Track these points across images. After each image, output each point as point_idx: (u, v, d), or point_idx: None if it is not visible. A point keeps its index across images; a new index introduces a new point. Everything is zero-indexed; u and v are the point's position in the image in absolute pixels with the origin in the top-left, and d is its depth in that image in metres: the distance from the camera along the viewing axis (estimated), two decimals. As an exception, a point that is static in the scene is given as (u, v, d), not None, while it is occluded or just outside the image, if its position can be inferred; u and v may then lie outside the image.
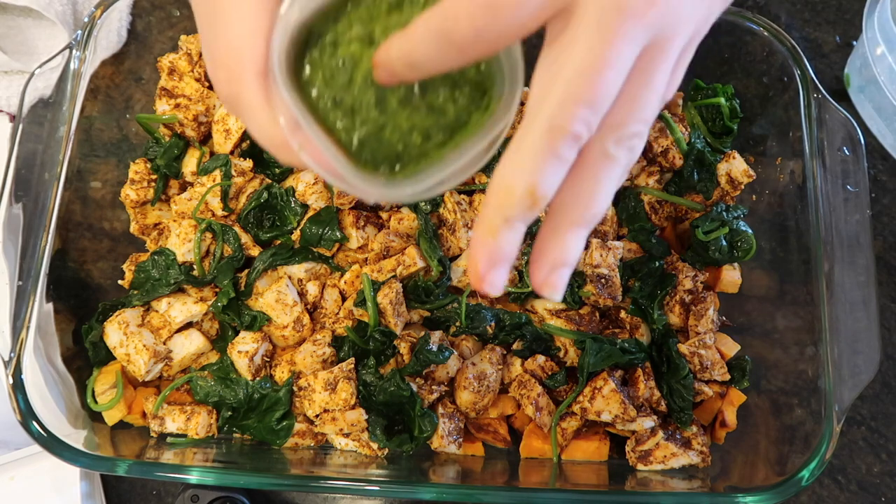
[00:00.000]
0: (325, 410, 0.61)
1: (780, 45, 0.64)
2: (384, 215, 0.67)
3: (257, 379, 0.62)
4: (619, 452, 0.64)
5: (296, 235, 0.66)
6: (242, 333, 0.63)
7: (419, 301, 0.64)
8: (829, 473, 0.68)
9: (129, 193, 0.66)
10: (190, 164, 0.68)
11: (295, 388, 0.62)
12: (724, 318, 0.68)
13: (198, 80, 0.69)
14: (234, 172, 0.66)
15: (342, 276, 0.65)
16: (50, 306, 0.59)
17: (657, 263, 0.66)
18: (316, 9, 0.34)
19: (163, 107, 0.68)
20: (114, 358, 0.62)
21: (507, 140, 0.34)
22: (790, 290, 0.64)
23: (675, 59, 0.32)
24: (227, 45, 0.33)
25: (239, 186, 0.67)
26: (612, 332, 0.66)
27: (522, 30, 0.31)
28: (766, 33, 0.65)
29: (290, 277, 0.64)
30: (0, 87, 0.71)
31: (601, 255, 0.64)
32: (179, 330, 0.63)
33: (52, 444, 0.54)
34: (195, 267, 0.64)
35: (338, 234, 0.64)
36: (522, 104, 0.37)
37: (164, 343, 0.62)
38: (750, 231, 0.68)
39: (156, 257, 0.63)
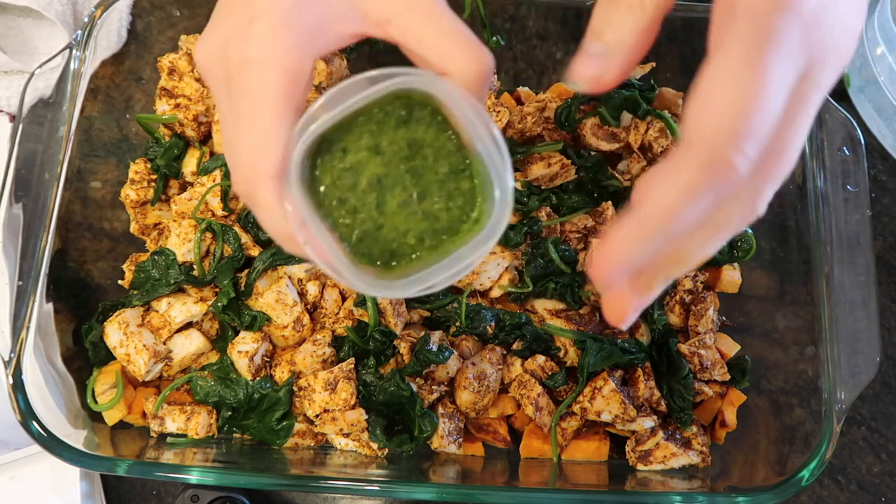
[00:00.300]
0: (325, 410, 0.61)
1: (780, 45, 0.64)
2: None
3: (257, 379, 0.62)
4: (619, 452, 0.64)
5: (296, 235, 0.66)
6: (242, 333, 0.63)
7: (419, 301, 0.64)
8: (829, 473, 0.68)
9: (129, 193, 0.66)
10: (190, 164, 0.68)
11: (295, 388, 0.62)
12: (724, 318, 0.68)
13: (198, 80, 0.69)
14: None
15: (342, 276, 0.65)
16: (50, 306, 0.59)
17: (657, 263, 0.66)
18: (332, 126, 0.38)
19: (163, 107, 0.68)
20: (114, 358, 0.62)
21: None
22: (790, 290, 0.64)
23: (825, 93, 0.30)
24: (249, 151, 0.36)
25: (239, 186, 0.67)
26: (612, 332, 0.66)
27: None
28: (766, 33, 0.65)
29: (290, 277, 0.64)
30: (0, 87, 0.71)
31: (601, 255, 0.64)
32: (179, 330, 0.63)
33: (52, 444, 0.54)
34: (195, 267, 0.64)
35: (338, 234, 0.64)
36: None
37: (164, 343, 0.62)
38: (750, 231, 0.68)
39: (156, 257, 0.63)
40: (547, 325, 0.65)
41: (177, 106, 0.68)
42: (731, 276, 0.68)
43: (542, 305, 0.66)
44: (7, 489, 0.61)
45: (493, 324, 0.64)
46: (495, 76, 0.72)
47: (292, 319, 0.62)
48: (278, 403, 0.62)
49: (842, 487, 0.67)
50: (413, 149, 0.39)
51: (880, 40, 0.71)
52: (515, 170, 0.68)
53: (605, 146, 0.69)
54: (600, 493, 0.58)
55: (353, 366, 0.61)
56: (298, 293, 0.64)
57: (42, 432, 0.54)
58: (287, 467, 0.60)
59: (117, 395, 0.61)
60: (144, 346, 0.60)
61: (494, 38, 0.71)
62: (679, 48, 0.70)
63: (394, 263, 0.40)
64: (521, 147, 0.68)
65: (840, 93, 0.77)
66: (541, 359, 0.63)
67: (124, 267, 0.66)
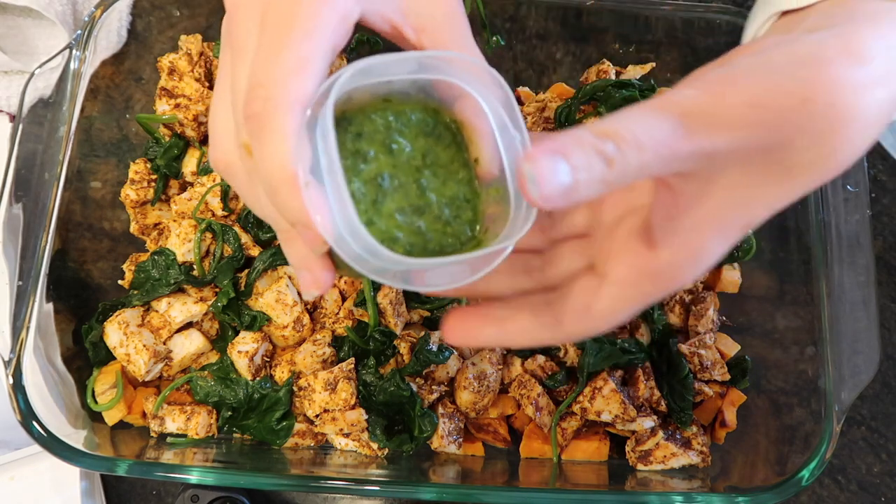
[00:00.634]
0: (325, 410, 0.61)
1: (780, 45, 0.64)
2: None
3: (257, 379, 0.62)
4: (619, 452, 0.64)
5: (296, 235, 0.66)
6: (242, 333, 0.63)
7: (419, 301, 0.64)
8: (829, 473, 0.68)
9: (129, 193, 0.66)
10: (190, 164, 0.68)
11: (295, 388, 0.62)
12: (724, 318, 0.68)
13: (198, 80, 0.69)
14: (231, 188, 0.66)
15: (342, 276, 0.65)
16: (50, 306, 0.59)
17: (657, 263, 0.66)
18: (360, 91, 0.35)
19: (163, 107, 0.68)
20: (114, 358, 0.62)
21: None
22: (790, 290, 0.64)
23: None
24: (282, 69, 0.32)
25: (239, 186, 0.67)
26: (611, 331, 0.66)
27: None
28: (766, 33, 0.65)
29: (290, 277, 0.64)
30: (0, 87, 0.71)
31: (601, 255, 0.64)
32: (179, 330, 0.63)
33: (52, 444, 0.54)
34: (195, 267, 0.64)
35: (338, 234, 0.64)
36: None
37: (164, 343, 0.62)
38: (750, 231, 0.68)
39: (156, 257, 0.63)
40: (547, 325, 0.64)
41: (177, 106, 0.68)
42: (731, 276, 0.68)
43: (542, 305, 0.66)
44: (7, 489, 0.61)
45: (493, 324, 0.64)
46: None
47: (292, 319, 0.62)
48: (278, 403, 0.62)
49: (842, 487, 0.67)
50: (427, 161, 0.37)
51: (880, 40, 0.71)
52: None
53: (605, 146, 0.69)
54: (600, 493, 0.58)
55: (353, 366, 0.61)
56: (298, 293, 0.64)
57: (42, 432, 0.54)
58: (287, 467, 0.60)
59: (117, 395, 0.61)
60: (144, 346, 0.60)
61: (494, 38, 0.71)
62: (679, 48, 0.70)
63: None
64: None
65: (840, 93, 0.77)
66: (541, 359, 0.63)
67: (124, 267, 0.66)
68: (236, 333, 0.63)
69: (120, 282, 0.65)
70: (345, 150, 0.36)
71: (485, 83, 0.36)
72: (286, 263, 0.64)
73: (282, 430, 0.62)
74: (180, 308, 0.63)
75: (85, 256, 0.66)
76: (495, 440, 0.64)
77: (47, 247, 0.58)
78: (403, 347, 0.62)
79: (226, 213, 0.66)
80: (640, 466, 0.62)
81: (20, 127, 0.59)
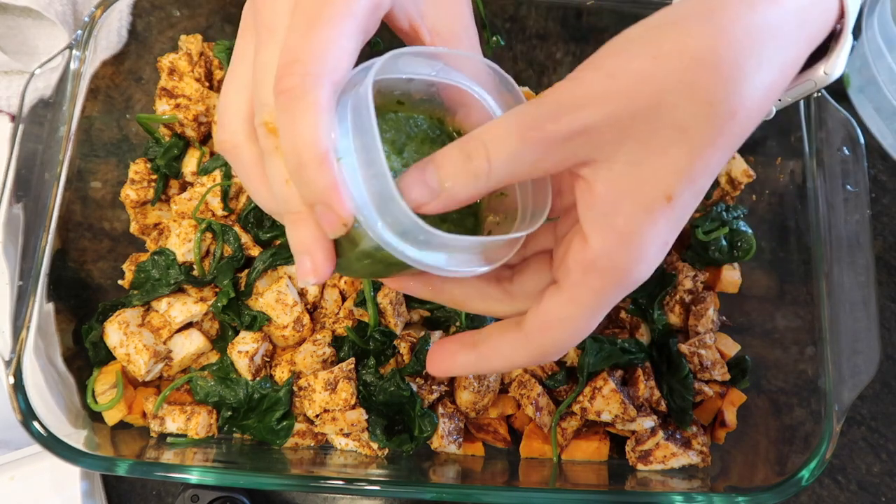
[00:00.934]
0: (326, 410, 0.61)
1: (780, 45, 0.64)
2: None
3: (257, 379, 0.62)
4: (619, 452, 0.64)
5: (296, 236, 0.66)
6: (242, 333, 0.63)
7: (419, 301, 0.64)
8: (829, 473, 0.68)
9: (129, 193, 0.66)
10: (190, 164, 0.68)
11: (295, 388, 0.62)
12: (724, 318, 0.68)
13: (198, 80, 0.69)
14: (234, 172, 0.66)
15: (342, 276, 0.65)
16: (50, 306, 0.59)
17: (657, 263, 0.66)
18: (381, 85, 0.36)
19: (163, 107, 0.68)
20: (114, 358, 0.62)
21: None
22: (790, 290, 0.64)
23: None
24: (320, 44, 0.32)
25: (239, 186, 0.67)
26: (612, 331, 0.66)
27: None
28: (766, 33, 0.65)
29: (290, 277, 0.64)
30: (0, 87, 0.71)
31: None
32: (179, 330, 0.63)
33: (53, 444, 0.54)
34: (195, 267, 0.64)
35: (338, 234, 0.64)
36: None
37: (164, 343, 0.62)
38: (750, 231, 0.68)
39: (156, 257, 0.63)
40: (547, 325, 0.64)
41: (177, 106, 0.68)
42: (731, 276, 0.68)
43: (542, 305, 0.66)
44: (7, 489, 0.61)
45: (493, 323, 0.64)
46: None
47: (292, 319, 0.62)
48: (278, 403, 0.62)
49: (842, 487, 0.67)
50: None
51: (880, 40, 0.71)
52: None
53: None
54: (600, 493, 0.58)
55: (353, 366, 0.61)
56: (298, 293, 0.64)
57: (42, 432, 0.54)
58: (287, 467, 0.60)
59: (117, 395, 0.61)
60: (144, 346, 0.60)
61: (494, 38, 0.71)
62: (679, 48, 0.70)
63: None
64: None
65: (840, 93, 0.77)
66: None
67: (124, 267, 0.66)
68: (236, 333, 0.63)
69: (120, 282, 0.65)
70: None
71: (496, 91, 0.37)
72: (286, 263, 0.64)
73: (282, 430, 0.62)
74: (180, 308, 0.63)
75: (85, 256, 0.66)
76: (495, 440, 0.64)
77: (47, 247, 0.58)
78: (403, 347, 0.62)
79: (226, 213, 0.66)
80: (640, 466, 0.62)
81: (20, 127, 0.59)
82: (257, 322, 0.63)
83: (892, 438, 0.68)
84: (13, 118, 0.72)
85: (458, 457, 0.63)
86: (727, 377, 0.64)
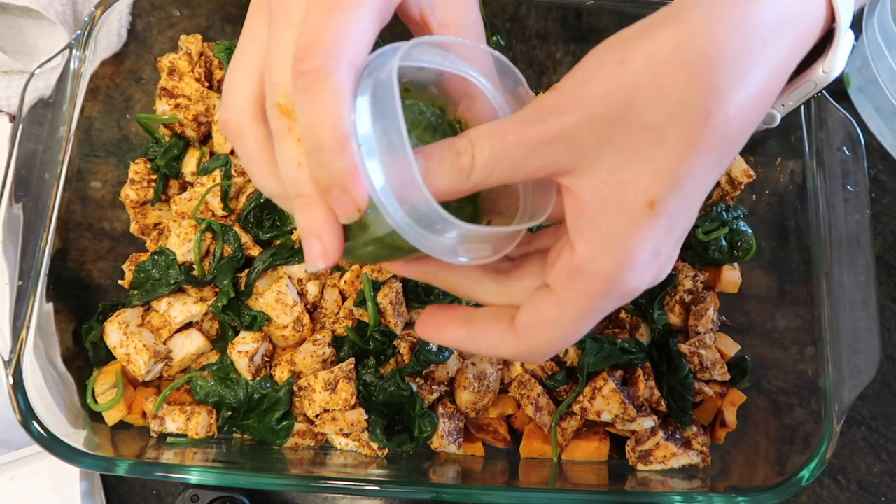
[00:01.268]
0: (326, 410, 0.61)
1: (780, 45, 0.64)
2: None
3: (257, 379, 0.62)
4: (619, 452, 0.64)
5: (296, 235, 0.66)
6: (242, 333, 0.63)
7: (419, 301, 0.64)
8: (829, 473, 0.68)
9: (129, 193, 0.66)
10: (190, 164, 0.68)
11: (295, 388, 0.62)
12: (724, 318, 0.68)
13: (198, 80, 0.69)
14: (234, 172, 0.66)
15: (342, 276, 0.65)
16: (50, 306, 0.59)
17: (657, 263, 0.66)
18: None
19: (163, 107, 0.68)
20: (114, 358, 0.62)
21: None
22: (790, 290, 0.64)
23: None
24: (341, 28, 0.33)
25: (239, 186, 0.67)
26: (612, 331, 0.66)
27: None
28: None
29: (290, 277, 0.64)
30: (0, 87, 0.71)
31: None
32: (179, 330, 0.63)
33: (52, 444, 0.54)
34: (195, 267, 0.64)
35: (338, 234, 0.64)
36: None
37: (164, 343, 0.62)
38: (750, 231, 0.68)
39: (156, 257, 0.63)
40: (547, 325, 0.64)
41: (177, 106, 0.68)
42: (731, 276, 0.68)
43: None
44: (7, 489, 0.61)
45: (493, 324, 0.64)
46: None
47: (292, 319, 0.62)
48: (278, 403, 0.62)
49: (842, 487, 0.67)
50: None
51: (880, 40, 0.71)
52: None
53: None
54: (600, 493, 0.58)
55: (353, 366, 0.61)
56: (298, 293, 0.64)
57: (42, 432, 0.54)
58: (287, 467, 0.60)
59: (117, 395, 0.61)
60: (144, 346, 0.60)
61: (494, 38, 0.71)
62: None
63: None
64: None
65: (840, 93, 0.77)
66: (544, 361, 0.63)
67: (124, 267, 0.66)
68: (236, 333, 0.63)
69: (120, 282, 0.65)
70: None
71: (502, 83, 0.38)
72: (286, 263, 0.64)
73: (282, 430, 0.62)
74: (180, 308, 0.63)
75: (85, 256, 0.66)
76: (495, 440, 0.64)
77: (47, 247, 0.58)
78: (403, 347, 0.62)
79: (226, 213, 0.66)
80: (640, 466, 0.62)
81: (20, 127, 0.59)
82: (257, 322, 0.63)
83: (892, 438, 0.68)
84: (13, 118, 0.72)
85: (458, 457, 0.63)
86: (727, 377, 0.64)
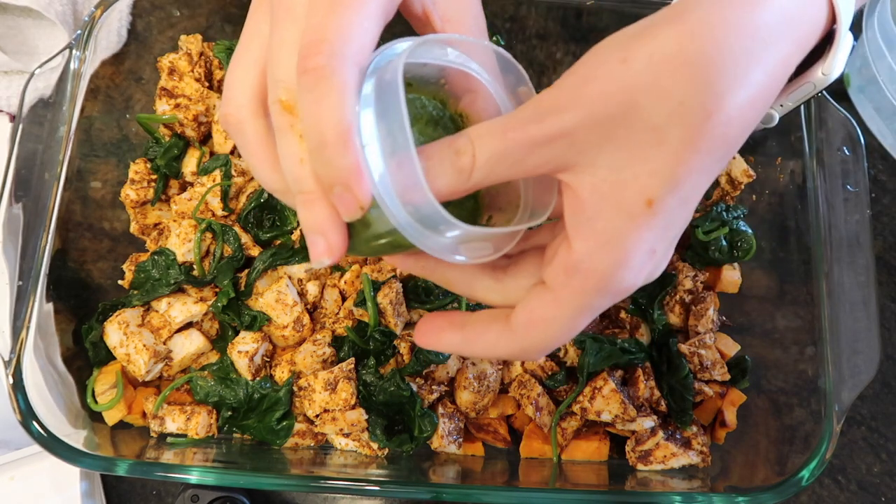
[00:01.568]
0: (326, 410, 0.61)
1: (780, 45, 0.64)
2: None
3: (257, 379, 0.62)
4: (619, 452, 0.64)
5: (296, 235, 0.66)
6: (242, 333, 0.63)
7: (419, 301, 0.64)
8: (829, 473, 0.68)
9: (129, 193, 0.66)
10: (190, 164, 0.68)
11: (295, 388, 0.62)
12: (724, 318, 0.68)
13: (198, 80, 0.69)
14: (234, 172, 0.66)
15: (342, 276, 0.65)
16: (50, 306, 0.59)
17: (657, 263, 0.66)
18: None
19: (163, 107, 0.68)
20: (114, 358, 0.62)
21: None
22: (790, 290, 0.64)
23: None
24: (344, 25, 0.33)
25: (239, 186, 0.67)
26: (612, 331, 0.66)
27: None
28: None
29: (290, 277, 0.64)
30: (0, 87, 0.71)
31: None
32: (179, 330, 0.63)
33: (52, 444, 0.54)
34: (195, 267, 0.64)
35: (338, 234, 0.64)
36: None
37: (164, 343, 0.62)
38: (750, 231, 0.68)
39: (156, 257, 0.63)
40: (547, 325, 0.64)
41: (177, 106, 0.68)
42: (731, 276, 0.68)
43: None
44: (7, 489, 0.61)
45: (493, 324, 0.64)
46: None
47: (292, 319, 0.62)
48: (278, 403, 0.62)
49: (842, 487, 0.67)
50: None
51: (880, 40, 0.71)
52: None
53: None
54: (600, 493, 0.58)
55: (353, 366, 0.61)
56: (298, 293, 0.64)
57: (42, 432, 0.54)
58: (287, 467, 0.60)
59: (117, 395, 0.61)
60: (144, 346, 0.60)
61: (494, 38, 0.71)
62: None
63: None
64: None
65: (840, 93, 0.77)
66: (540, 359, 0.63)
67: (124, 267, 0.66)
68: (236, 333, 0.63)
69: (120, 282, 0.65)
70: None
71: (504, 79, 0.38)
72: (286, 263, 0.64)
73: (282, 430, 0.62)
74: (180, 308, 0.63)
75: (85, 256, 0.66)
76: (495, 440, 0.64)
77: (47, 247, 0.58)
78: (403, 347, 0.62)
79: (226, 213, 0.66)
80: (640, 466, 0.62)
81: (20, 127, 0.59)
82: (257, 322, 0.63)
83: (892, 438, 0.68)
84: (13, 118, 0.72)
85: (458, 457, 0.63)
86: (727, 377, 0.64)
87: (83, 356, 0.62)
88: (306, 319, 0.63)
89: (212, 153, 0.69)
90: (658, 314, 0.65)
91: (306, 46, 0.33)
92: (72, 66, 0.61)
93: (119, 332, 0.61)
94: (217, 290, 0.64)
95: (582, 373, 0.62)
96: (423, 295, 0.64)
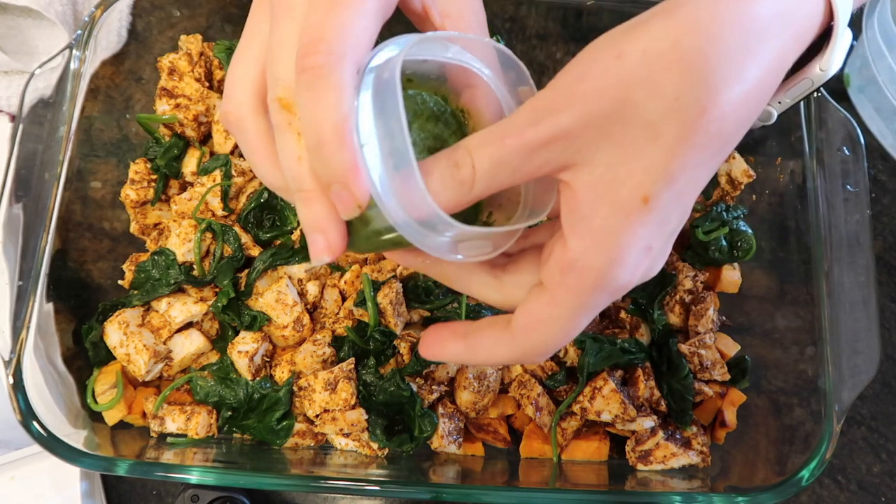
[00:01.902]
0: (326, 410, 0.61)
1: (780, 45, 0.64)
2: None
3: (257, 379, 0.62)
4: (619, 452, 0.64)
5: (296, 235, 0.66)
6: (242, 333, 0.63)
7: (419, 301, 0.64)
8: (829, 473, 0.68)
9: (129, 193, 0.66)
10: (190, 164, 0.68)
11: (295, 388, 0.62)
12: (724, 318, 0.68)
13: (198, 80, 0.69)
14: (234, 172, 0.66)
15: (342, 276, 0.65)
16: (50, 306, 0.59)
17: (657, 263, 0.66)
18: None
19: (163, 107, 0.68)
20: (114, 358, 0.62)
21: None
22: (790, 290, 0.64)
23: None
24: (342, 25, 0.33)
25: (239, 186, 0.67)
26: (612, 331, 0.66)
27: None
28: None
29: (290, 277, 0.64)
30: (0, 87, 0.71)
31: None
32: (179, 330, 0.63)
33: (52, 444, 0.54)
34: (195, 267, 0.64)
35: (338, 234, 0.64)
36: None
37: (164, 343, 0.62)
38: (750, 231, 0.68)
39: (156, 257, 0.63)
40: (547, 325, 0.64)
41: (177, 106, 0.68)
42: (731, 276, 0.68)
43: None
44: (7, 489, 0.61)
45: (493, 324, 0.64)
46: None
47: (292, 319, 0.62)
48: (278, 403, 0.62)
49: (842, 487, 0.67)
50: (436, 145, 0.38)
51: (880, 40, 0.71)
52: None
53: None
54: (600, 493, 0.58)
55: (353, 366, 0.61)
56: (298, 293, 0.64)
57: (42, 432, 0.54)
58: (287, 467, 0.60)
59: (117, 395, 0.61)
60: (144, 346, 0.60)
61: (494, 38, 0.71)
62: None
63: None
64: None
65: (840, 93, 0.77)
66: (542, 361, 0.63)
67: (124, 267, 0.66)
68: (236, 333, 0.63)
69: (120, 282, 0.65)
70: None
71: (505, 75, 0.38)
72: (286, 263, 0.64)
73: (282, 430, 0.62)
74: (180, 308, 0.63)
75: (85, 256, 0.66)
76: (495, 440, 0.64)
77: (47, 247, 0.58)
78: (403, 347, 0.62)
79: (226, 213, 0.66)
80: (640, 466, 0.62)
81: (20, 127, 0.59)
82: (257, 322, 0.63)
83: (892, 438, 0.68)
84: (13, 118, 0.72)
85: (458, 457, 0.63)
86: (727, 377, 0.64)
87: (83, 356, 0.62)
88: (306, 319, 0.63)
89: (212, 153, 0.69)
90: (658, 314, 0.65)
91: (304, 45, 0.33)
92: (72, 66, 0.61)
93: (119, 332, 0.61)
94: (217, 290, 0.64)
95: (582, 373, 0.62)
96: (423, 295, 0.64)
